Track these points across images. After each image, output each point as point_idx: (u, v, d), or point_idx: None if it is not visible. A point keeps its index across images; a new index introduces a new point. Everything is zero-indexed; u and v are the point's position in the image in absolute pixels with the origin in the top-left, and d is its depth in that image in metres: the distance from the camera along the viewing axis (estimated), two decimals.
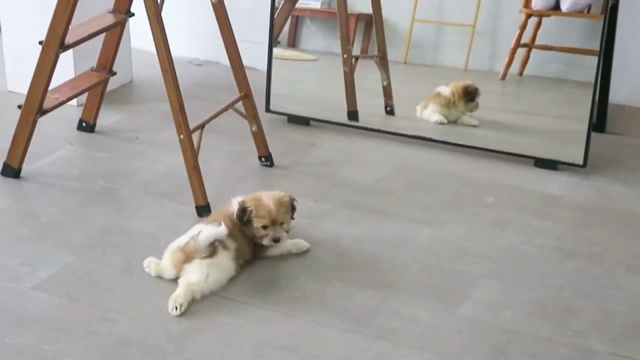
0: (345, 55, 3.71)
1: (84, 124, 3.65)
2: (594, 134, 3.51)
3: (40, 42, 3.14)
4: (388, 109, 3.76)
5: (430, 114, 3.68)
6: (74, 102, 3.62)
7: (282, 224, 2.82)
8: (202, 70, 4.31)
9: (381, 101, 3.75)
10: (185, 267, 2.67)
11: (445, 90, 3.66)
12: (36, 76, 3.16)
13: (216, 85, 4.07)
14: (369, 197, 3.24)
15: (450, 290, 2.73)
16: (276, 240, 2.81)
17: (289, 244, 2.88)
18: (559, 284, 2.77)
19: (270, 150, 3.46)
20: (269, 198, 2.83)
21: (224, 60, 3.43)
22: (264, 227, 2.80)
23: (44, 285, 2.69)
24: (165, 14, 3.03)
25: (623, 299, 2.71)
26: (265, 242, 2.81)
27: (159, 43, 2.99)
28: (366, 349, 2.46)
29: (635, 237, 3.03)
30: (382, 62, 3.73)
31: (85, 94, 3.57)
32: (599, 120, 3.72)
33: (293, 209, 2.88)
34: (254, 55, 4.00)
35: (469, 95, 3.63)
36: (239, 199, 2.85)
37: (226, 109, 3.30)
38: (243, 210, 2.80)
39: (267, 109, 3.82)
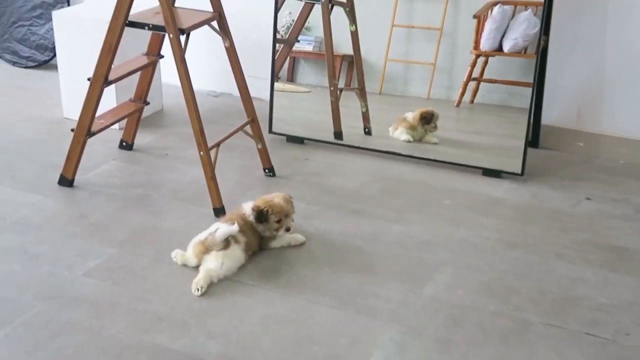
0: (332, 88, 3.71)
1: (124, 143, 3.65)
2: (529, 149, 3.52)
3: (88, 79, 3.14)
4: (366, 130, 3.76)
5: (400, 134, 3.68)
6: (116, 126, 3.61)
7: (289, 216, 2.85)
8: (218, 100, 4.31)
9: (361, 124, 3.75)
10: (204, 257, 2.67)
11: (410, 115, 3.67)
12: (85, 105, 3.16)
13: (229, 112, 4.06)
14: (351, 201, 3.24)
15: (416, 275, 2.73)
16: (288, 229, 2.84)
17: (288, 237, 2.88)
18: (503, 269, 2.78)
19: (273, 164, 3.46)
20: (278, 198, 2.86)
21: (235, 92, 3.43)
22: (278, 221, 2.81)
23: (92, 272, 2.69)
24: (187, 56, 3.04)
25: (554, 280, 2.72)
26: (281, 232, 2.83)
27: (183, 79, 3.00)
28: (349, 322, 2.47)
29: (563, 231, 3.04)
30: (362, 93, 3.73)
31: (125, 120, 3.56)
32: (534, 138, 3.73)
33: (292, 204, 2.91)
34: (259, 87, 4.01)
35: (425, 119, 3.63)
36: (249, 204, 2.85)
37: (237, 131, 3.30)
38: (260, 212, 2.80)
39: (270, 131, 3.82)
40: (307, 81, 3.89)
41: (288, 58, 3.83)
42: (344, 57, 3.75)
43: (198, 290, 2.57)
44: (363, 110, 3.74)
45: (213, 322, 2.44)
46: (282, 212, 2.82)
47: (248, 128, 3.35)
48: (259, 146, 3.40)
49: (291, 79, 3.89)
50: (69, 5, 4.49)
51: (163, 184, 3.34)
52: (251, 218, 2.81)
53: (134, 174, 3.43)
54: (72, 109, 3.83)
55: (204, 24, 3.12)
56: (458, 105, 3.62)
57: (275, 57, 3.78)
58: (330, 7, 3.63)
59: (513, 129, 3.47)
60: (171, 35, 2.95)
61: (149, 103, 3.57)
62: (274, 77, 3.80)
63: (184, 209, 3.13)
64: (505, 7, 3.47)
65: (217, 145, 3.15)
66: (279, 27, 3.75)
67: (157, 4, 3.00)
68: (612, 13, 3.50)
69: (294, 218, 2.90)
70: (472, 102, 3.60)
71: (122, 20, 3.03)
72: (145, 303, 2.53)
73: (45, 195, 3.20)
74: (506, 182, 3.44)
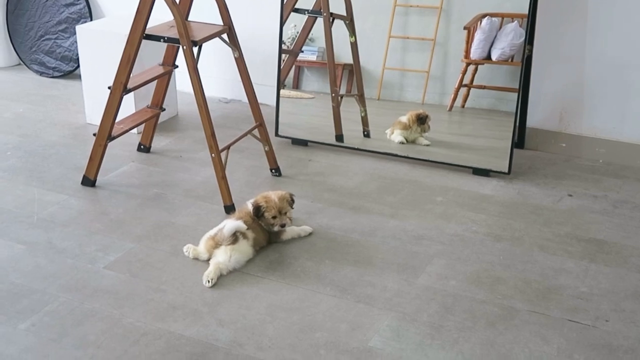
0: (333, 94, 3.71)
1: (142, 146, 3.65)
2: (515, 150, 3.51)
3: (109, 87, 3.14)
4: (365, 133, 3.75)
5: (395, 137, 3.68)
6: (134, 130, 3.61)
7: (285, 213, 2.82)
8: (228, 106, 4.30)
9: (360, 127, 3.74)
10: (215, 251, 2.67)
11: (404, 118, 3.66)
12: (106, 112, 3.16)
13: (238, 117, 4.06)
14: (350, 198, 3.24)
15: (411, 266, 2.73)
16: (282, 226, 2.81)
17: (297, 229, 2.88)
18: (490, 260, 2.77)
19: (279, 164, 3.45)
20: (275, 195, 2.83)
21: (244, 98, 3.43)
22: (274, 217, 2.80)
23: (112, 265, 2.69)
24: (200, 66, 3.04)
25: (537, 270, 2.71)
26: (275, 228, 2.81)
27: (195, 87, 3.00)
28: (349, 310, 2.46)
29: (545, 225, 3.03)
30: (361, 99, 3.73)
31: (143, 125, 3.56)
32: (519, 140, 3.72)
33: (292, 201, 2.88)
34: (266, 94, 4.01)
35: (420, 119, 3.61)
36: (252, 200, 2.85)
37: (246, 134, 3.30)
38: (257, 207, 2.80)
39: (276, 134, 3.81)
40: (310, 88, 3.89)
41: (293, 67, 3.82)
42: (344, 65, 3.75)
43: (209, 282, 2.56)
44: (362, 114, 3.74)
45: (223, 310, 2.44)
46: (276, 208, 2.80)
47: (256, 132, 3.35)
48: (266, 148, 3.40)
49: (296, 86, 3.88)
50: (91, 20, 4.49)
51: (178, 183, 3.34)
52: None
53: (151, 175, 3.43)
54: (94, 115, 3.84)
55: (215, 36, 3.12)
56: (450, 109, 3.61)
57: (281, 66, 3.78)
58: (331, 20, 3.63)
59: (500, 131, 3.47)
60: (185, 47, 2.95)
61: (164, 109, 3.57)
62: (280, 85, 3.80)
63: (197, 207, 3.13)
64: (493, 19, 3.46)
65: (228, 147, 3.15)
66: (284, 38, 3.74)
67: (172, 18, 3.00)
68: (591, 25, 3.49)
69: (292, 214, 2.89)
70: (463, 106, 3.60)
71: (139, 34, 3.03)
72: (161, 293, 2.53)
73: (70, 195, 3.20)
74: (494, 181, 3.43)
